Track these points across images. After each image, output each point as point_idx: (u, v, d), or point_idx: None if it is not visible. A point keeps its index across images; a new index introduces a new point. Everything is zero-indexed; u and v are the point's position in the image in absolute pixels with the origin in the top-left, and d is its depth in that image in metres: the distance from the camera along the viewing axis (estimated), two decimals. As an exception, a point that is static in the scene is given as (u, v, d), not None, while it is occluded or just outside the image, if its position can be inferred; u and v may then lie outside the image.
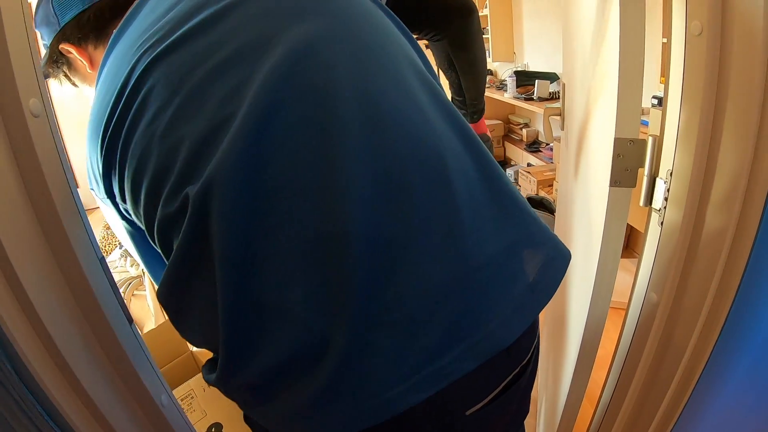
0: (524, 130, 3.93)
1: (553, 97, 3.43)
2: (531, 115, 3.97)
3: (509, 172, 3.79)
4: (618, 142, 0.65)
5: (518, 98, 3.49)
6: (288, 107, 0.43)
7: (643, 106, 0.68)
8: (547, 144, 3.86)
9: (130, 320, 0.58)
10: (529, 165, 3.78)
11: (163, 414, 0.61)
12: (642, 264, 0.68)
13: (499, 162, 0.95)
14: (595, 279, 0.76)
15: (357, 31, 0.48)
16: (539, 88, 3.35)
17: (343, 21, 0.48)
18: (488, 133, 1.15)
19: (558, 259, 0.51)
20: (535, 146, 3.85)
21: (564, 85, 1.15)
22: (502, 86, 3.88)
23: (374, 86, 0.45)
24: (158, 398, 0.61)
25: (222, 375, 0.46)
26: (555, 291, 0.50)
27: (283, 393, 0.45)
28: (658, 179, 0.65)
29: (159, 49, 0.47)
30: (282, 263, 0.42)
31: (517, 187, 3.52)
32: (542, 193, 3.26)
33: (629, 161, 0.66)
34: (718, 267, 0.57)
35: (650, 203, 0.67)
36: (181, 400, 1.32)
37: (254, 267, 0.43)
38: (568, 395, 0.93)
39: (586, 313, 0.80)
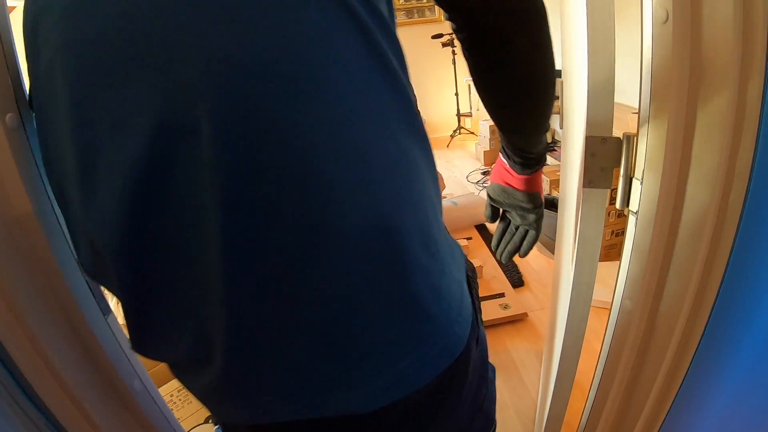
0: (538, 129, 3.85)
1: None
2: (545, 114, 3.88)
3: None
4: (590, 140, 0.61)
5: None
6: None
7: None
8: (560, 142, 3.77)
9: (106, 311, 0.59)
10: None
11: (134, 399, 0.62)
12: (621, 264, 0.64)
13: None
14: (572, 283, 0.72)
15: None
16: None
17: None
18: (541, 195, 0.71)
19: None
20: (551, 145, 3.77)
21: (562, 82, 1.11)
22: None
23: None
24: (131, 383, 0.62)
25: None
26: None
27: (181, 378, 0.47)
28: (634, 179, 0.61)
29: None
30: None
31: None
32: (555, 193, 3.19)
33: (603, 160, 0.62)
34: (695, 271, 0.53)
35: (627, 205, 0.63)
36: (177, 392, 1.34)
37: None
38: (552, 396, 0.89)
39: (566, 316, 0.76)
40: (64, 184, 0.41)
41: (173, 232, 0.38)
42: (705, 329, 0.55)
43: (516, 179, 0.68)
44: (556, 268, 1.01)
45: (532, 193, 0.69)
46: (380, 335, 0.42)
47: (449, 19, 0.47)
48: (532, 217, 0.70)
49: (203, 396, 0.48)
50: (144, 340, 0.45)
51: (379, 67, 0.39)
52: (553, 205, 3.21)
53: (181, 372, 0.48)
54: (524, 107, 0.55)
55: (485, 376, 0.57)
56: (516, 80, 0.50)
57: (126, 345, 0.66)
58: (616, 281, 0.68)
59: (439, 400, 0.48)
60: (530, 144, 0.61)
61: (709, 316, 0.54)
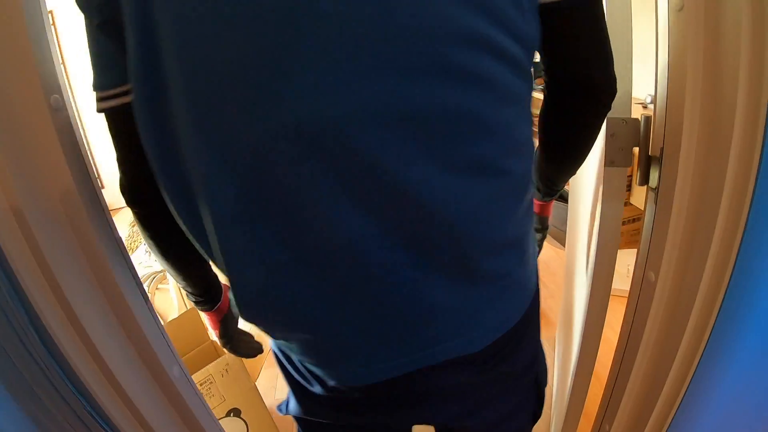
0: (543, 121, 3.88)
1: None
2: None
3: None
4: (610, 122, 0.65)
5: (536, 90, 3.44)
6: None
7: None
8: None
9: (146, 298, 0.63)
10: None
11: (174, 385, 0.65)
12: (642, 240, 0.68)
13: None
14: (594, 261, 0.76)
15: None
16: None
17: None
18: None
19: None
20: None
21: None
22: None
23: None
24: (170, 369, 0.65)
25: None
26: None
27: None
28: (653, 157, 0.64)
29: None
30: None
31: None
32: (562, 185, 3.22)
33: (623, 141, 0.66)
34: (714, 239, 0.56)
35: (647, 182, 0.67)
36: (200, 384, 1.37)
37: None
38: (573, 378, 0.93)
39: (587, 299, 0.80)
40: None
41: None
42: (724, 297, 0.59)
43: (535, 204, 0.79)
44: (570, 255, 1.05)
45: (543, 216, 0.82)
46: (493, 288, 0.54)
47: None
48: (539, 236, 0.84)
49: (318, 359, 0.56)
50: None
51: None
52: (561, 197, 3.29)
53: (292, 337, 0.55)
54: (571, 173, 0.68)
55: (539, 319, 0.69)
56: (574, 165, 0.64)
57: (164, 330, 0.70)
58: (636, 256, 0.72)
59: (522, 332, 0.61)
60: (560, 183, 0.71)
61: (728, 285, 0.58)
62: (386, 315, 0.51)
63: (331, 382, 0.58)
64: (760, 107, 0.48)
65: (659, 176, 0.62)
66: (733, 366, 0.61)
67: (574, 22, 0.48)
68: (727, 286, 0.58)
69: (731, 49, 0.49)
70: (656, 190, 0.64)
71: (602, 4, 0.49)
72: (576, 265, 1.02)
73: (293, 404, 0.68)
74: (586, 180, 0.84)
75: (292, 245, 0.46)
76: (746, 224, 0.55)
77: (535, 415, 0.79)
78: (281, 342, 0.59)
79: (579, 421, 1.01)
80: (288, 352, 0.62)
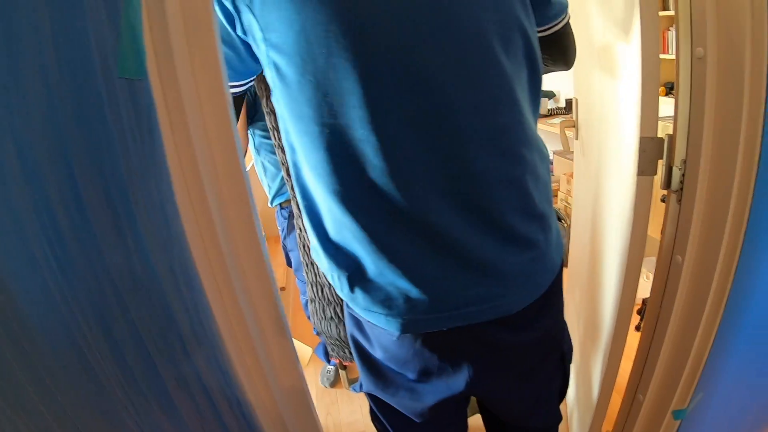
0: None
1: (551, 113, 3.67)
2: (530, 132, 4.18)
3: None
4: (642, 140, 0.85)
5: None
6: None
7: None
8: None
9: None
10: (531, 178, 3.98)
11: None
12: (667, 232, 0.87)
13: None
14: (627, 253, 0.94)
15: None
16: (538, 105, 3.56)
17: None
18: None
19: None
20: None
21: (576, 99, 1.36)
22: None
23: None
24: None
25: None
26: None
27: None
28: (674, 167, 0.84)
29: None
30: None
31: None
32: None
33: (651, 155, 0.86)
34: (726, 228, 0.76)
35: (669, 186, 0.86)
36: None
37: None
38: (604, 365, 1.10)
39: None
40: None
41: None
42: (736, 272, 0.78)
43: None
44: (595, 264, 1.23)
45: None
46: (528, 256, 0.69)
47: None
48: None
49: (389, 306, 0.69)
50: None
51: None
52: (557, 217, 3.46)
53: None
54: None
55: (563, 297, 0.84)
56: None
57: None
58: (660, 246, 0.91)
59: (550, 302, 0.76)
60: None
61: (738, 261, 0.77)
62: (452, 270, 0.66)
63: (393, 335, 0.71)
64: (756, 138, 0.69)
65: (681, 181, 0.81)
66: (746, 320, 0.80)
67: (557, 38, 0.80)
68: (738, 262, 0.78)
69: (737, 90, 0.69)
70: (679, 191, 0.83)
71: (570, 26, 0.81)
72: (602, 272, 1.20)
73: (366, 382, 0.83)
74: (614, 192, 1.03)
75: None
76: (750, 214, 0.75)
77: (562, 392, 0.91)
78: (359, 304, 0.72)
79: (610, 396, 1.18)
80: (358, 311, 0.74)
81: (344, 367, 1.95)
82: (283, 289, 2.71)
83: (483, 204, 0.64)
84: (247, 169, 0.59)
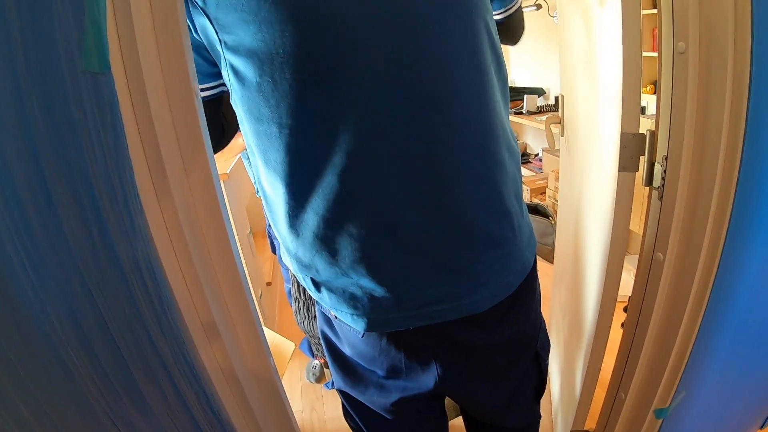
0: (514, 143, 4.15)
1: (540, 110, 3.67)
2: (519, 129, 4.19)
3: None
4: (623, 136, 0.83)
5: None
6: None
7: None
8: (536, 155, 4.08)
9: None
10: (520, 175, 3.98)
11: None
12: (648, 229, 0.86)
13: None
14: (609, 250, 0.93)
15: None
16: (528, 102, 3.57)
17: None
18: None
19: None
20: (524, 158, 4.07)
21: (563, 96, 1.35)
22: (491, 102, 4.11)
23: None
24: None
25: None
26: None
27: None
28: (656, 163, 0.83)
29: None
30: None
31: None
32: (536, 200, 3.47)
33: (632, 151, 0.85)
34: (708, 224, 0.74)
35: (651, 183, 0.85)
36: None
37: None
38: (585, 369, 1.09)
39: (599, 293, 0.97)
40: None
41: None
42: (717, 270, 0.77)
43: None
44: (578, 260, 1.22)
45: None
46: (495, 254, 0.67)
47: None
48: None
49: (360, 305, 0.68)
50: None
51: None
52: (537, 211, 3.52)
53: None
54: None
55: (539, 293, 0.84)
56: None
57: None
58: (642, 243, 0.90)
59: (522, 300, 0.76)
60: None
61: (720, 260, 0.76)
62: (417, 269, 0.65)
63: (360, 333, 0.70)
64: (738, 134, 0.67)
65: (663, 177, 0.80)
66: (728, 319, 0.79)
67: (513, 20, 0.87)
68: (720, 260, 0.77)
69: (720, 85, 0.68)
70: (660, 188, 0.82)
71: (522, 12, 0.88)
72: (583, 267, 1.19)
73: (337, 378, 0.83)
74: (596, 189, 1.02)
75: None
76: (732, 211, 0.73)
77: (538, 391, 0.91)
78: (329, 301, 0.70)
79: (593, 392, 1.17)
80: (326, 308, 0.73)
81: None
82: (269, 284, 2.68)
83: (447, 200, 0.62)
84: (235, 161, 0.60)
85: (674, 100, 0.75)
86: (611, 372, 1.06)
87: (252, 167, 0.70)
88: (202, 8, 0.58)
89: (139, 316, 0.51)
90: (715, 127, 0.70)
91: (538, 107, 3.65)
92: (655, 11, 2.85)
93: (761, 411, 1.08)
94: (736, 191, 0.73)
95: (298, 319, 1.28)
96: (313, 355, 2.01)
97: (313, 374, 2.00)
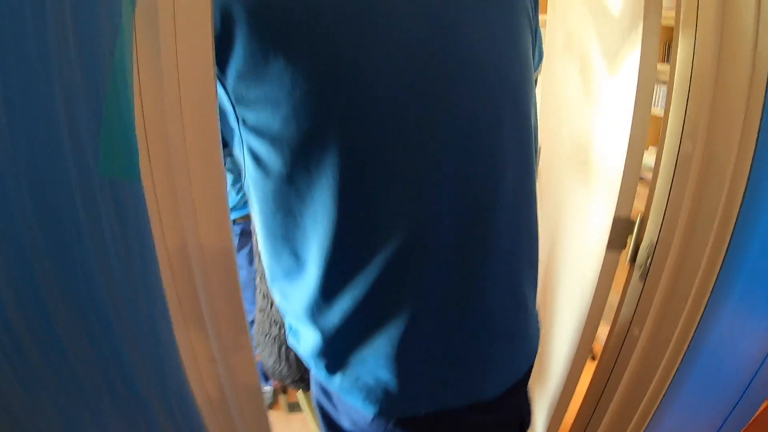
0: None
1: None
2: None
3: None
4: (616, 220, 0.91)
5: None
6: None
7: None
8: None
9: None
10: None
11: None
12: (626, 303, 0.94)
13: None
14: (584, 325, 1.00)
15: None
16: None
17: None
18: None
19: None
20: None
21: (540, 148, 1.43)
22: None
23: None
24: None
25: None
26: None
27: None
28: (641, 248, 0.91)
29: None
30: None
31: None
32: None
33: (621, 231, 0.92)
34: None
35: (635, 261, 0.93)
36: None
37: None
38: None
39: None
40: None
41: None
42: (687, 350, 0.85)
43: None
44: (551, 313, 1.29)
45: None
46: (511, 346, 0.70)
47: None
48: None
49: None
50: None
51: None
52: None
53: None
54: None
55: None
56: None
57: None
58: (618, 312, 0.97)
59: (524, 379, 0.77)
60: None
61: (692, 337, 0.85)
62: (440, 366, 0.65)
63: (367, 418, 0.67)
64: (726, 233, 0.76)
65: (650, 260, 0.88)
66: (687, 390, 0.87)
67: None
68: (692, 338, 0.85)
69: (717, 191, 0.76)
70: (644, 267, 0.90)
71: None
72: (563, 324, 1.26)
73: None
74: (581, 263, 1.09)
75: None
76: (709, 297, 0.82)
77: None
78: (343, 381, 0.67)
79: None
80: (332, 389, 0.70)
81: (285, 391, 1.83)
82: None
83: (478, 301, 0.65)
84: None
85: (671, 197, 0.83)
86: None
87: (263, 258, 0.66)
88: (218, 77, 0.48)
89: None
90: (706, 225, 0.79)
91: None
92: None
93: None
94: (715, 282, 0.81)
95: (257, 336, 1.15)
96: (266, 378, 1.88)
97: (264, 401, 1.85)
